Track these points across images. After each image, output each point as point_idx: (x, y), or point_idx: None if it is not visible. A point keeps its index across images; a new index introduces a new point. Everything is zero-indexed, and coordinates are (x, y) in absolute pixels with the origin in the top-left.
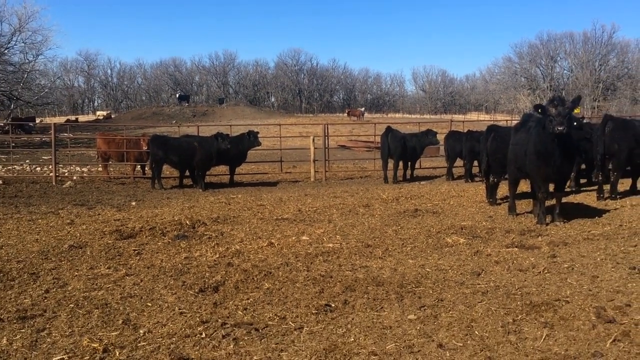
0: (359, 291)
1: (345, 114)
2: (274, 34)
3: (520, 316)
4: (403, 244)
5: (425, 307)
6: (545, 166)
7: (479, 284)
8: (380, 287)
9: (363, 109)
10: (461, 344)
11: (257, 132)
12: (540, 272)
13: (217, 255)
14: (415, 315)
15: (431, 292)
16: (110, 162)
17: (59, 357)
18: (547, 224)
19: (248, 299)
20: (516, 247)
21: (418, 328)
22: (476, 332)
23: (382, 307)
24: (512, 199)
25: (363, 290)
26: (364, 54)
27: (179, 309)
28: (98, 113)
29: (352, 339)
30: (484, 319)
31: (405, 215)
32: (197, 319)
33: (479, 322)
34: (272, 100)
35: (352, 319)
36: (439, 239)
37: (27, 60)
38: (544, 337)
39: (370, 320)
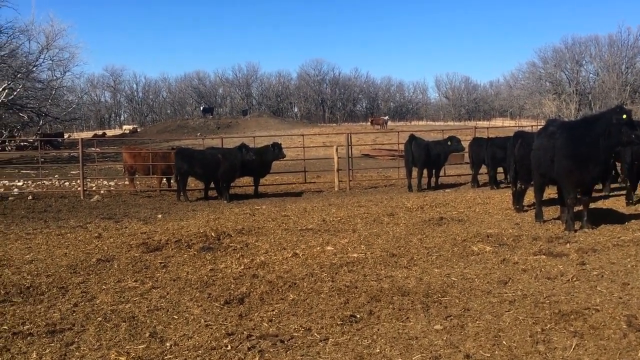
0: (384, 301)
1: (369, 123)
2: (296, 44)
3: (549, 325)
4: (428, 252)
5: (452, 317)
6: (579, 171)
7: (506, 293)
8: (405, 297)
9: (387, 117)
10: (489, 355)
11: (281, 144)
12: (569, 280)
13: (242, 267)
14: (441, 325)
15: (457, 301)
16: (137, 176)
17: None
18: (575, 231)
19: (273, 310)
20: (544, 254)
21: (444, 338)
22: (504, 342)
23: (407, 318)
24: (539, 206)
25: (388, 300)
26: (386, 63)
27: (205, 322)
28: (124, 127)
29: (378, 350)
30: (512, 329)
31: (430, 224)
32: (223, 331)
33: (506, 332)
34: (295, 110)
35: (378, 330)
36: (465, 247)
37: (55, 77)
38: (573, 346)
39: (396, 330)
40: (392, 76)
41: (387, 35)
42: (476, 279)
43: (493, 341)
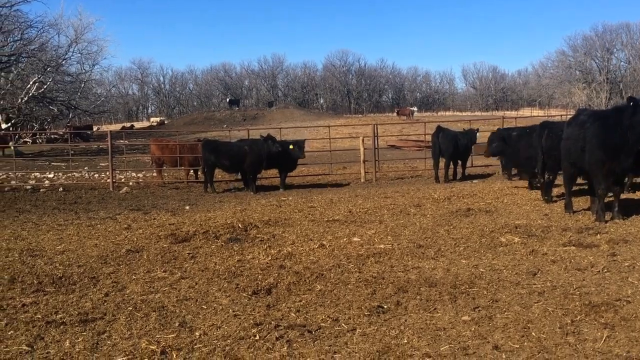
0: (411, 292)
1: (395, 114)
2: (321, 35)
3: (579, 317)
4: (456, 244)
5: (480, 308)
6: (610, 161)
7: (535, 284)
8: (433, 288)
9: (415, 108)
10: (518, 346)
11: (302, 143)
12: (599, 271)
13: (269, 258)
14: (469, 316)
15: (485, 292)
16: (164, 168)
17: (119, 359)
18: (606, 222)
19: (300, 301)
20: (574, 245)
21: (473, 329)
22: (533, 333)
23: (435, 309)
24: (569, 196)
25: (415, 291)
26: (412, 53)
27: (233, 312)
28: (152, 119)
29: (406, 341)
30: (541, 320)
31: (458, 215)
32: (251, 321)
33: (535, 323)
34: (321, 101)
35: (405, 321)
36: (493, 238)
37: (83, 71)
38: (604, 338)
39: (423, 321)
40: (418, 66)
41: (413, 25)
42: (504, 270)
43: (522, 332)
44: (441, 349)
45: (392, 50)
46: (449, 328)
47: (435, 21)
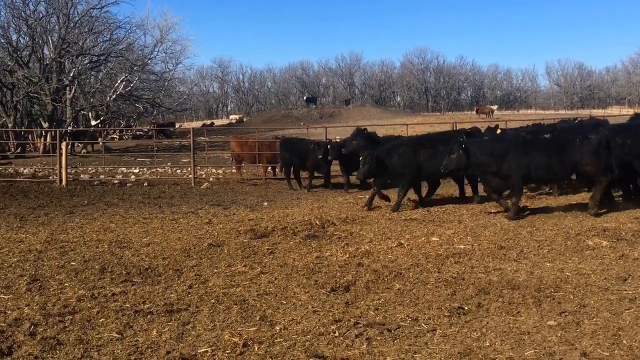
0: (493, 294)
1: (474, 112)
2: (399, 33)
3: None
4: (539, 246)
5: (566, 313)
6: None
7: (626, 290)
8: (515, 291)
9: (495, 106)
10: (607, 354)
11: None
12: None
13: (347, 255)
14: (555, 321)
15: (572, 297)
16: (243, 164)
17: (203, 350)
18: None
19: (379, 299)
20: None
21: (559, 335)
22: (624, 341)
23: (518, 312)
24: None
25: (497, 293)
26: (493, 49)
27: (312, 307)
28: (231, 117)
29: (488, 344)
30: (633, 328)
31: (541, 216)
32: (330, 318)
33: (626, 330)
34: (398, 99)
35: (487, 323)
36: (579, 241)
37: (167, 69)
38: None
39: (506, 324)
40: (499, 63)
41: (494, 21)
42: (592, 275)
43: (612, 340)
44: (526, 353)
45: (473, 47)
46: (533, 332)
47: (518, 17)
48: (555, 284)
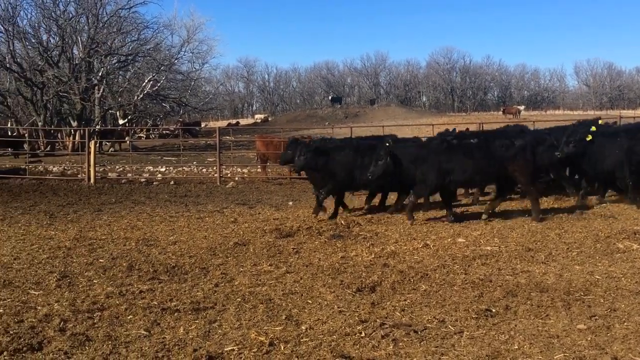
0: (521, 297)
1: (500, 112)
2: (425, 33)
3: None
4: (568, 248)
5: (597, 317)
6: None
7: None
8: (544, 294)
9: (522, 107)
10: (639, 359)
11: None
12: None
13: (373, 256)
14: (585, 325)
15: (602, 301)
16: (268, 164)
17: (229, 348)
18: None
19: (405, 300)
20: None
21: (589, 339)
22: None
23: (547, 315)
24: None
25: (526, 296)
26: (520, 49)
27: (338, 308)
28: (256, 116)
29: (517, 347)
30: None
31: (570, 218)
32: (356, 318)
33: None
34: (424, 99)
35: (515, 326)
36: (609, 244)
37: (194, 69)
38: None
39: (535, 327)
40: (526, 63)
41: (521, 20)
42: (623, 278)
43: None
44: (555, 357)
45: (499, 46)
46: (563, 336)
47: (546, 16)
48: (584, 287)
